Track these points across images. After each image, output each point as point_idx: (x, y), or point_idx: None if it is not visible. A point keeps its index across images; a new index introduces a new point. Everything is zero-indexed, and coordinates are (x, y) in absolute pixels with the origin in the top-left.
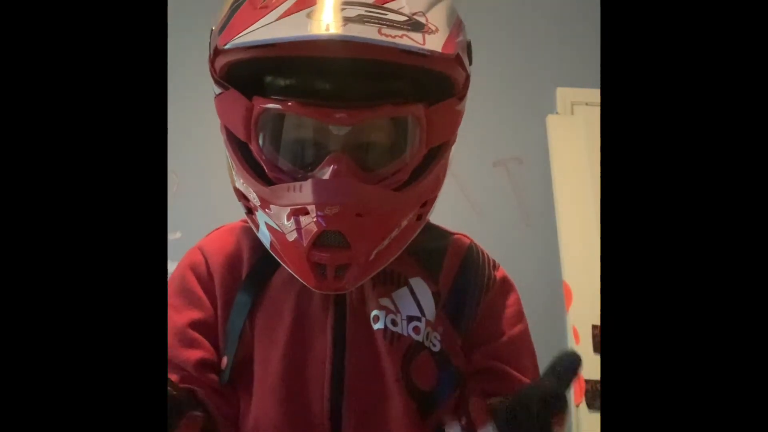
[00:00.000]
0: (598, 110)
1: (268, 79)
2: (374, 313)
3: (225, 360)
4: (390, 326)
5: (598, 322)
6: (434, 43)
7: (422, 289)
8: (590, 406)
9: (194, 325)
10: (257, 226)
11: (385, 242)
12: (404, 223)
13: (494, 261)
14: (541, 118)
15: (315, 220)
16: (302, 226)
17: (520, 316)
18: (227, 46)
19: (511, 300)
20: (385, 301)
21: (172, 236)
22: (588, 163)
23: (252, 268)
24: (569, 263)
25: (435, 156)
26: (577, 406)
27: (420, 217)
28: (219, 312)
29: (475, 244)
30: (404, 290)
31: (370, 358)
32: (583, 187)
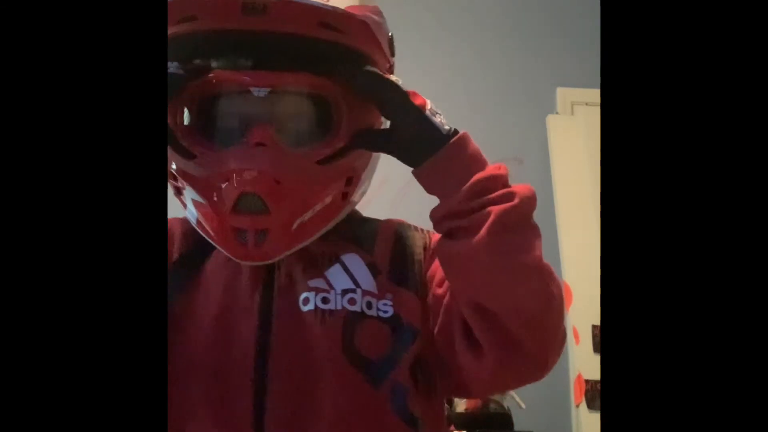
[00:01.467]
0: (598, 110)
1: (196, 63)
2: (304, 295)
3: None
4: (320, 305)
5: (598, 322)
6: (338, 2)
7: (356, 262)
8: (590, 406)
9: None
10: (185, 206)
11: (308, 214)
12: (328, 199)
13: (428, 231)
14: (541, 118)
15: (237, 182)
16: (223, 193)
17: None
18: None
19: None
20: (315, 282)
21: None
22: (588, 163)
23: (182, 254)
24: (569, 263)
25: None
26: (577, 406)
27: (345, 196)
28: None
29: (406, 222)
30: (336, 267)
31: (298, 340)
32: (583, 187)
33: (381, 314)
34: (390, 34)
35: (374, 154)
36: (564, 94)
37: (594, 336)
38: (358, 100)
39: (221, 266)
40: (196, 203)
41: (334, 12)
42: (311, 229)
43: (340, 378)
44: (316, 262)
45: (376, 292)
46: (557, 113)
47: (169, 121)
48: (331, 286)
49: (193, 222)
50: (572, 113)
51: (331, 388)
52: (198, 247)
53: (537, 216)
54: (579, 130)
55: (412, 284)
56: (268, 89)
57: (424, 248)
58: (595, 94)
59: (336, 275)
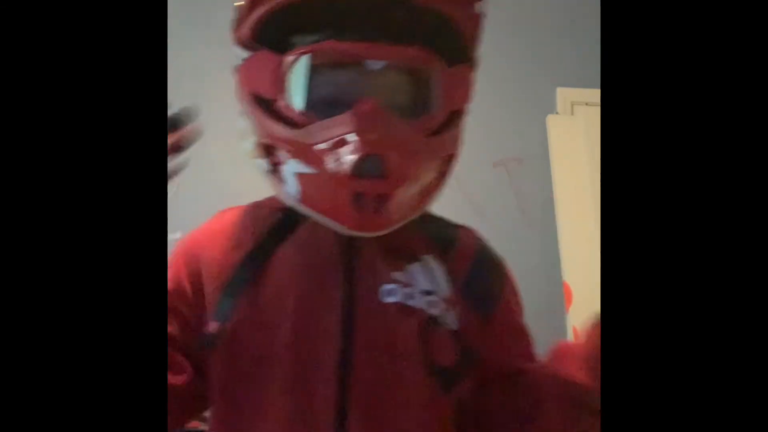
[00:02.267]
0: (598, 110)
1: (297, 38)
2: (387, 286)
3: (214, 325)
4: (405, 300)
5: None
6: None
7: (435, 265)
8: None
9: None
10: (283, 181)
11: (416, 187)
12: (432, 174)
13: (507, 273)
14: (541, 118)
15: (357, 145)
16: (341, 156)
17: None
18: None
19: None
20: (399, 275)
21: (172, 236)
22: (588, 163)
23: (254, 246)
24: (569, 263)
25: (453, 120)
26: None
27: (443, 174)
28: (207, 286)
29: (483, 242)
30: (417, 265)
31: (381, 332)
32: (583, 187)
33: (451, 325)
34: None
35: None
36: (564, 94)
37: None
38: (456, 78)
39: (294, 254)
40: (301, 176)
41: None
42: (417, 204)
43: (419, 376)
44: (398, 255)
45: (451, 301)
46: (557, 113)
47: (271, 93)
48: (411, 283)
49: (295, 198)
50: (572, 113)
51: (412, 385)
52: (269, 237)
53: (537, 216)
54: (579, 130)
55: (482, 313)
56: (384, 62)
57: (502, 288)
58: (595, 94)
59: (417, 273)
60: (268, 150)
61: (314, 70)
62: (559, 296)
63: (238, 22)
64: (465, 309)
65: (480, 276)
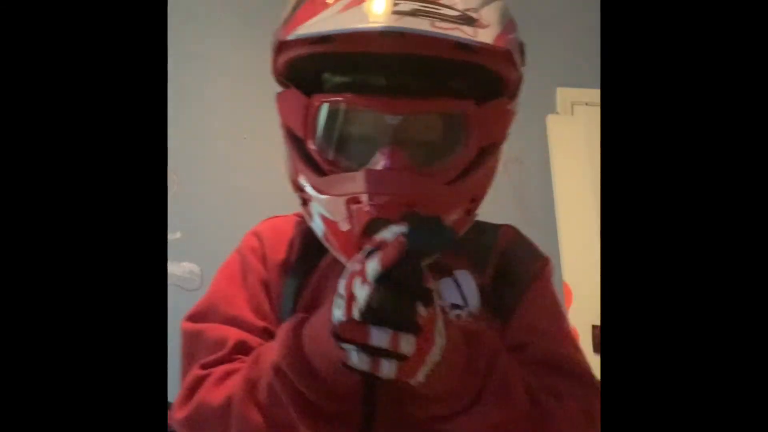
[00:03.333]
0: (598, 110)
1: (326, 76)
2: None
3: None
4: None
5: (598, 322)
6: (486, 36)
7: (467, 280)
8: None
9: (261, 298)
10: (311, 217)
11: None
12: (453, 217)
13: (541, 254)
14: (541, 118)
15: (366, 208)
16: (353, 214)
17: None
18: (289, 37)
19: (547, 296)
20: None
21: (172, 236)
22: (588, 163)
23: (300, 254)
24: (569, 263)
25: (485, 153)
26: None
27: (469, 212)
28: (271, 293)
29: (521, 236)
30: (448, 280)
31: None
32: (583, 187)
33: None
34: (521, 42)
35: (496, 170)
36: (564, 94)
37: (594, 336)
38: (489, 114)
39: (336, 262)
40: (324, 218)
41: (483, 45)
42: None
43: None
44: (431, 269)
45: (479, 315)
46: (557, 113)
47: (301, 132)
48: (440, 297)
49: (320, 234)
50: (572, 113)
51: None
52: (314, 247)
53: (537, 216)
54: (579, 130)
55: (503, 315)
56: (402, 116)
57: (532, 279)
58: (595, 94)
59: (447, 288)
60: (298, 185)
61: (346, 113)
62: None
63: (274, 54)
64: (489, 319)
65: (502, 279)
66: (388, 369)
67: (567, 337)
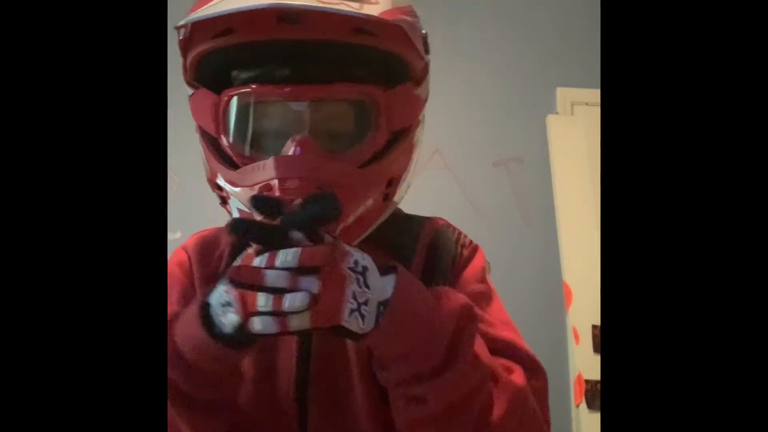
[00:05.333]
0: (598, 110)
1: (234, 73)
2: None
3: None
4: None
5: (598, 322)
6: (372, 10)
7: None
8: (590, 406)
9: (179, 311)
10: (231, 215)
11: (350, 219)
12: (370, 201)
13: (466, 239)
14: (541, 118)
15: (277, 194)
16: None
17: (480, 278)
18: (179, 23)
19: (474, 265)
20: None
21: (172, 236)
22: (588, 163)
23: (228, 264)
24: (569, 263)
25: (398, 138)
26: (577, 406)
27: (386, 197)
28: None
29: (448, 226)
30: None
31: (336, 345)
32: (583, 187)
33: None
34: (424, 32)
35: (415, 154)
36: (564, 94)
37: (594, 336)
38: (396, 99)
39: None
40: (241, 212)
41: (368, 18)
42: (354, 233)
43: (364, 390)
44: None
45: None
46: (557, 113)
47: (212, 131)
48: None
49: None
50: (572, 113)
51: (360, 398)
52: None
53: (537, 216)
54: (579, 130)
55: None
56: (307, 102)
57: (452, 262)
58: (595, 94)
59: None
60: (216, 185)
61: (254, 106)
62: (559, 296)
63: (182, 57)
64: None
65: (430, 272)
66: (299, 320)
67: (507, 324)
